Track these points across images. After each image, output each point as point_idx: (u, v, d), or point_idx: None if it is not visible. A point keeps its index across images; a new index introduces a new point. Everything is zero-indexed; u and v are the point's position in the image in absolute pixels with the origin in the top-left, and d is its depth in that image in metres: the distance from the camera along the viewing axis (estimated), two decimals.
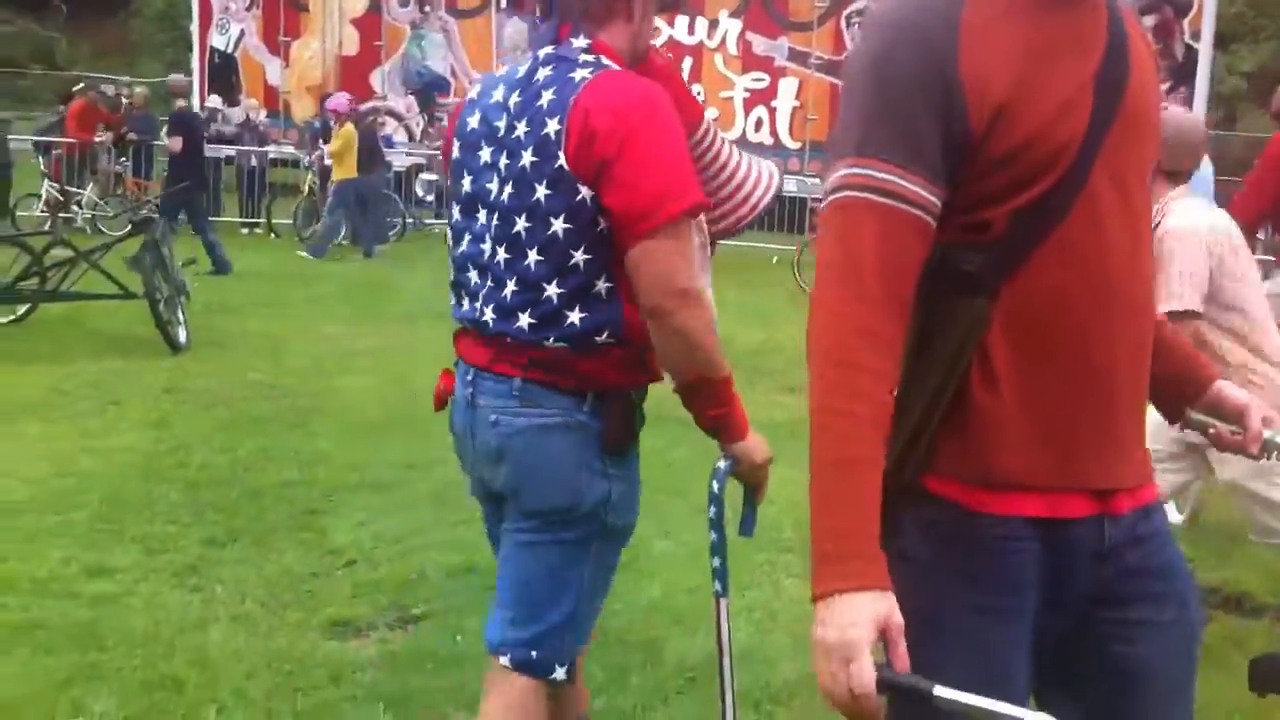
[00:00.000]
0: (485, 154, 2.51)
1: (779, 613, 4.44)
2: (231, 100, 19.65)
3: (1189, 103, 17.32)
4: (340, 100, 16.00)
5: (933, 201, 1.62)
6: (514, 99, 2.47)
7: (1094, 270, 1.65)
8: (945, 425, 1.67)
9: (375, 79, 20.91)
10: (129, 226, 9.81)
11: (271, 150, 18.74)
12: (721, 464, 2.53)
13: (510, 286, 2.45)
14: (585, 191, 2.35)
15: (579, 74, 2.39)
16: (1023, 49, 1.62)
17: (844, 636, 1.48)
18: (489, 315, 2.50)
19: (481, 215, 2.52)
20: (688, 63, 19.86)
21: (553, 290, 2.41)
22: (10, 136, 15.07)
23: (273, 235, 16.02)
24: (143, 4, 35.40)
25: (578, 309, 2.41)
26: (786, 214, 17.48)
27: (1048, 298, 1.64)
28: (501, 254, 2.46)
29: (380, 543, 4.98)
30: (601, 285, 2.41)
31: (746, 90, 19.68)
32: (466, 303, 2.60)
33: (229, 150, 18.09)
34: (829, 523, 1.56)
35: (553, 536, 2.52)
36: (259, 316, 10.34)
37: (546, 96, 2.40)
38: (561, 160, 2.35)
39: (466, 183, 2.55)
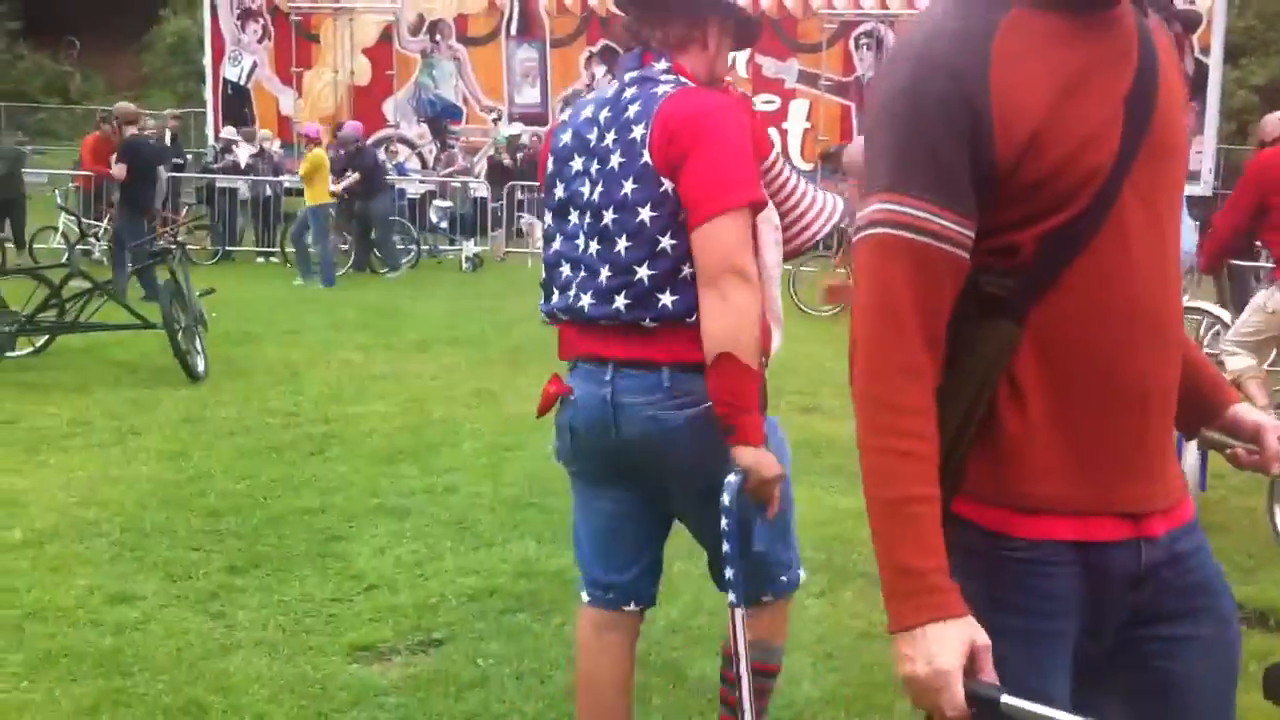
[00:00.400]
0: (577, 163, 2.81)
1: (799, 632, 4.43)
2: (247, 133, 19.76)
3: (1200, 117, 17.33)
4: (311, 127, 16.26)
5: (966, 236, 1.62)
6: (604, 114, 2.79)
7: (1122, 292, 1.64)
8: (974, 449, 1.68)
9: (388, 108, 21.04)
10: (146, 259, 9.89)
11: (286, 180, 18.83)
12: (733, 478, 2.58)
13: (604, 273, 2.72)
14: (667, 184, 2.64)
15: (661, 89, 2.73)
16: (1055, 76, 1.61)
17: (933, 667, 1.52)
18: (585, 301, 2.75)
19: (573, 217, 2.82)
20: None
21: (644, 273, 2.67)
22: (26, 170, 15.18)
23: (287, 264, 16.12)
24: (155, 38, 35.73)
25: (668, 291, 2.66)
26: None
27: (1077, 320, 1.64)
28: (594, 246, 2.74)
29: (400, 568, 5.00)
30: (687, 271, 2.65)
31: (757, 112, 19.73)
32: (557, 295, 2.85)
33: (243, 181, 18.18)
34: (896, 560, 1.59)
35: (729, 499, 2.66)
36: (276, 344, 10.40)
37: (633, 109, 2.73)
38: (646, 157, 2.66)
39: (560, 190, 2.85)
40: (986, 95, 1.59)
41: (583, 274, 2.76)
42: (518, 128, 19.88)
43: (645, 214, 2.66)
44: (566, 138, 2.86)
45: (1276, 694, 1.56)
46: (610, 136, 2.74)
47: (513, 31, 20.69)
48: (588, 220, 2.76)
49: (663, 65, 2.79)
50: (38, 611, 4.42)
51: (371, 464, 6.62)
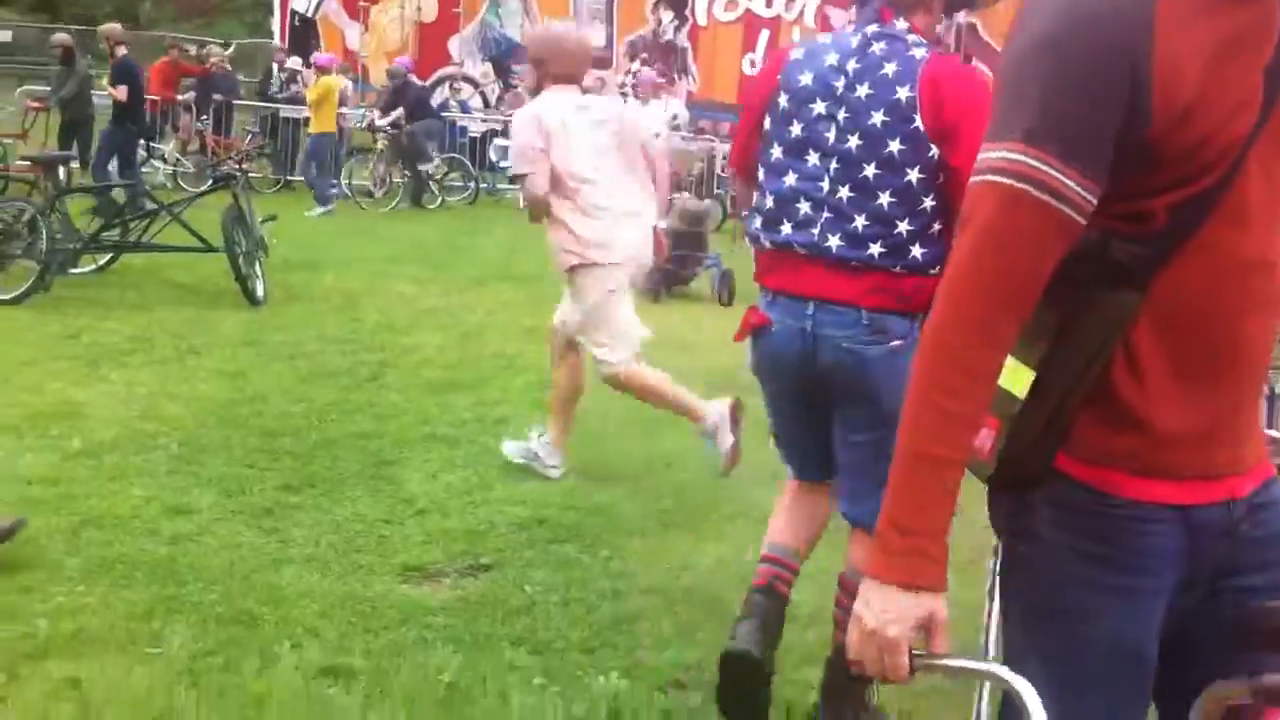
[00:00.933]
0: (820, 107, 3.02)
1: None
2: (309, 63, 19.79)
3: None
4: (323, 57, 16.38)
5: (1091, 202, 1.56)
6: (851, 64, 3.00)
7: (1238, 260, 1.61)
8: (1084, 410, 1.65)
9: (453, 45, 21.00)
10: (210, 182, 9.97)
11: (346, 111, 18.86)
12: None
13: (860, 220, 2.97)
14: (935, 150, 2.90)
15: (917, 53, 2.96)
16: (1211, 43, 1.55)
17: (883, 630, 1.54)
18: (833, 242, 3.00)
19: (812, 158, 3.04)
20: (764, 35, 19.75)
21: (904, 227, 2.95)
22: (94, 93, 15.29)
23: (347, 196, 16.18)
24: None
25: (918, 244, 2.95)
26: None
27: (1195, 289, 1.60)
28: (845, 192, 2.99)
29: (451, 494, 5.04)
30: (937, 227, 2.94)
31: None
32: (790, 229, 3.07)
33: (307, 113, 18.22)
34: (899, 513, 1.59)
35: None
36: (335, 273, 10.46)
37: (890, 67, 2.94)
38: (917, 122, 2.90)
39: (796, 129, 3.06)
40: (1150, 59, 1.51)
41: (828, 215, 3.00)
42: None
43: (913, 175, 2.92)
44: (807, 80, 3.05)
45: None
46: (864, 90, 2.95)
47: None
48: (835, 166, 2.99)
49: (903, 25, 3.02)
50: (95, 519, 4.50)
51: (424, 393, 6.67)
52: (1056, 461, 1.66)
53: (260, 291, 8.87)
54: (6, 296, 8.18)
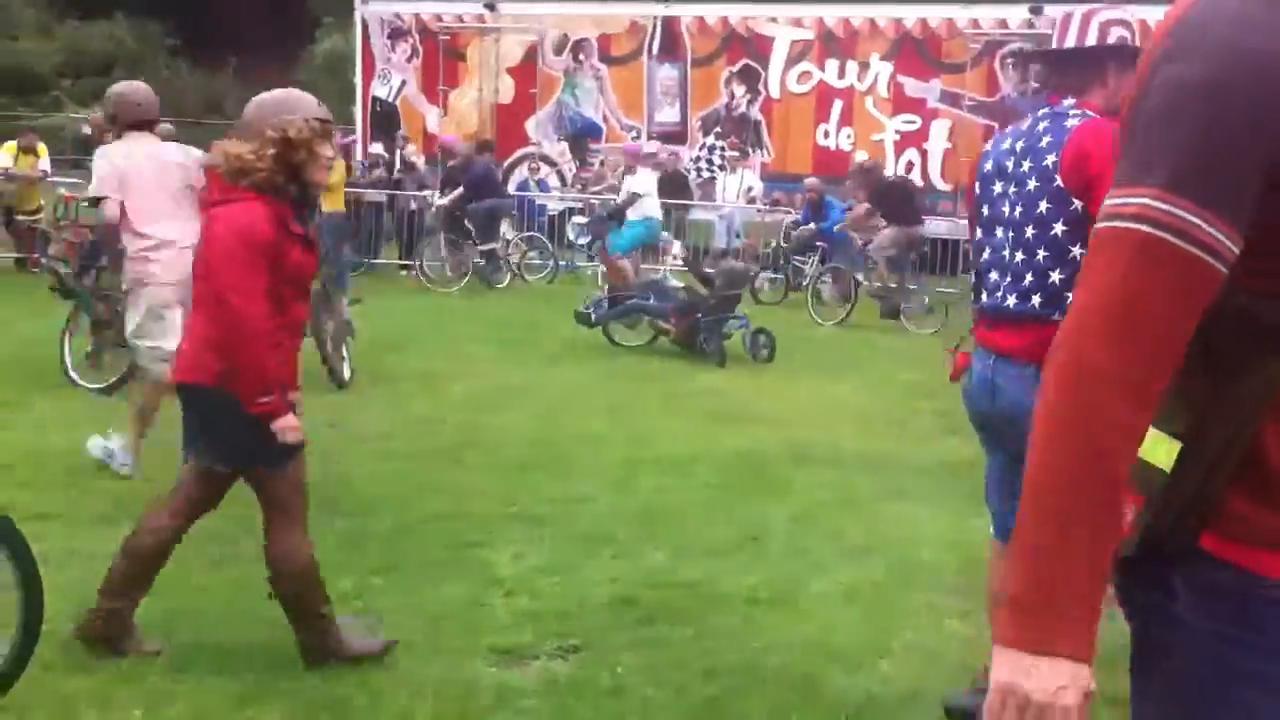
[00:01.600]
0: (998, 187, 3.50)
1: (942, 654, 4.35)
2: (390, 147, 20.21)
3: None
4: (342, 137, 16.46)
5: (1234, 254, 1.45)
6: (1019, 145, 3.46)
7: None
8: (1232, 485, 1.54)
9: (530, 126, 21.33)
10: None
11: (429, 194, 19.21)
12: None
13: (1028, 278, 3.39)
14: (1077, 204, 3.27)
15: (1070, 121, 3.36)
16: None
17: (1056, 700, 1.41)
18: (1011, 301, 3.44)
19: (999, 232, 3.50)
20: (838, 106, 19.81)
21: (1056, 277, 3.33)
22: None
23: (423, 278, 16.40)
24: (309, 56, 36.80)
25: (1071, 292, 3.20)
26: (937, 256, 17.27)
27: None
28: (1019, 256, 3.41)
29: (538, 574, 5.03)
30: None
31: (897, 133, 19.53)
32: (986, 296, 3.56)
33: (386, 195, 18.57)
34: (1045, 573, 1.44)
35: None
36: (418, 354, 10.59)
37: (1045, 140, 3.37)
38: (1058, 181, 3.30)
39: (986, 209, 3.56)
40: (1273, 84, 1.41)
41: (1009, 279, 3.44)
42: (654, 145, 19.98)
43: (1059, 228, 3.31)
44: (989, 166, 3.56)
45: None
46: (1026, 164, 3.39)
47: (654, 51, 20.80)
48: (1011, 235, 3.43)
49: (1069, 102, 3.43)
50: (187, 609, 4.55)
51: (508, 472, 6.69)
52: (1201, 540, 1.55)
53: (346, 374, 9.00)
54: (101, 385, 8.37)
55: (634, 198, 14.17)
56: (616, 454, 7.18)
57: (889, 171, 17.89)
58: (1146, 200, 1.45)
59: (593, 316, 11.53)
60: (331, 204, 15.32)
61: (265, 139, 3.79)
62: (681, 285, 12.12)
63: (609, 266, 14.40)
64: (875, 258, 14.53)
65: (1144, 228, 1.44)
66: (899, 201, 14.85)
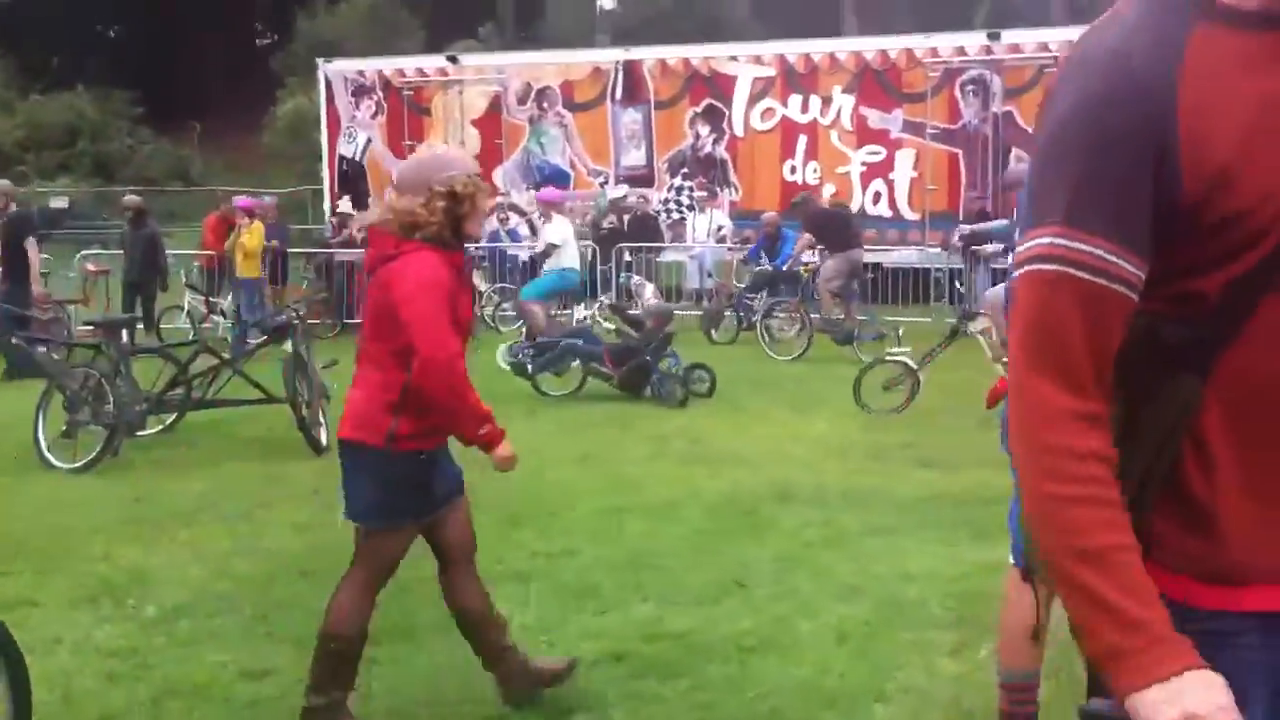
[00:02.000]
0: None
1: (935, 695, 4.33)
2: (361, 205, 20.22)
3: None
4: (246, 200, 16.29)
5: (1140, 278, 1.50)
6: None
7: None
8: (1157, 512, 1.56)
9: (497, 176, 21.37)
10: (269, 333, 10.14)
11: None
12: None
13: None
14: None
15: None
16: (1249, 103, 1.47)
17: (1217, 707, 1.41)
18: None
19: None
20: (803, 141, 19.95)
21: None
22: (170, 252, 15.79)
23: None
24: (273, 118, 36.84)
25: None
26: (909, 285, 17.34)
27: (1265, 372, 1.51)
28: None
29: (527, 633, 4.98)
30: None
31: (863, 164, 19.66)
32: None
33: (359, 254, 18.58)
34: (1120, 614, 1.45)
35: None
36: None
37: None
38: None
39: None
40: (1175, 123, 1.46)
41: None
42: (622, 189, 20.06)
43: None
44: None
45: None
46: None
47: (618, 96, 20.93)
48: None
49: None
50: (173, 689, 4.50)
51: (492, 529, 6.61)
52: None
53: (325, 439, 8.94)
54: (78, 464, 8.31)
55: (550, 248, 14.11)
56: (598, 503, 7.16)
57: (851, 202, 18.00)
58: (1050, 240, 1.50)
59: (529, 367, 11.56)
60: (246, 270, 15.11)
61: (434, 194, 3.89)
62: (611, 329, 12.18)
63: (522, 313, 14.33)
64: (820, 290, 14.55)
65: (1050, 266, 1.50)
66: (836, 229, 14.93)
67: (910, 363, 10.13)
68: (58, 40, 43.59)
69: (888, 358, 10.48)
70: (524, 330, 14.07)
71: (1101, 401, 1.51)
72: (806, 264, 15.60)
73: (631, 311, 12.50)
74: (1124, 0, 1.58)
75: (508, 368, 11.82)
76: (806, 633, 4.99)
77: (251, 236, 15.12)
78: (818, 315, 14.38)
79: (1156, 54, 1.48)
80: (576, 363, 11.49)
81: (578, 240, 18.74)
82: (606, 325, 12.60)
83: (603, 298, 17.88)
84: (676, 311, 12.45)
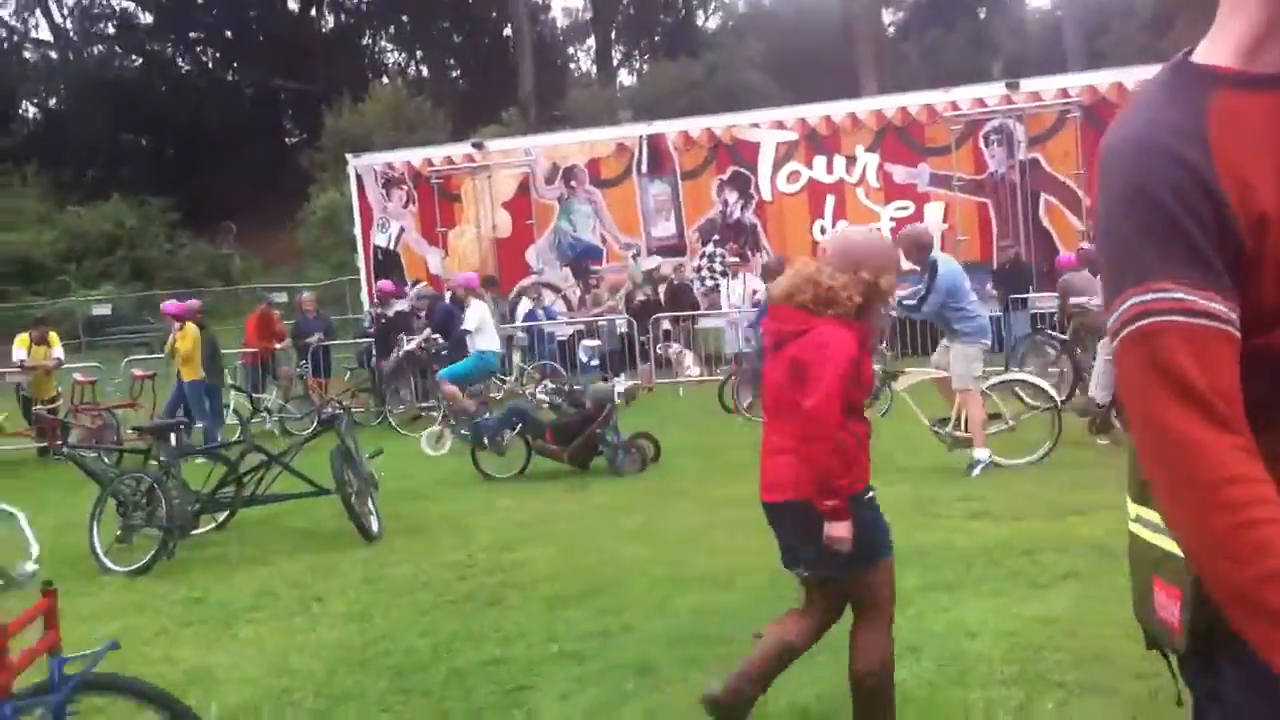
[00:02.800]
0: None
1: None
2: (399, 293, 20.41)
3: None
4: (173, 305, 15.70)
5: (1230, 313, 1.54)
6: None
7: None
8: None
9: (530, 255, 21.60)
10: (315, 425, 10.23)
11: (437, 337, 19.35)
12: None
13: None
14: None
15: None
16: (1274, 155, 1.56)
17: None
18: None
19: None
20: (830, 200, 20.05)
21: None
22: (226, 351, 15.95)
23: (390, 420, 16.47)
24: (307, 213, 37.42)
25: None
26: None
27: None
28: None
29: (587, 715, 4.98)
30: None
31: (893, 220, 19.72)
32: None
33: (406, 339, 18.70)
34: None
35: None
36: (442, 499, 10.60)
37: None
38: None
39: None
40: (1215, 175, 1.54)
41: None
42: (655, 260, 20.20)
43: None
44: None
45: None
46: None
47: (643, 169, 21.15)
48: None
49: None
50: None
51: (546, 609, 6.65)
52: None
53: (375, 527, 9.00)
54: (134, 567, 8.39)
55: (464, 334, 14.23)
56: (651, 576, 7.14)
57: None
58: (1137, 299, 1.55)
59: (486, 439, 11.68)
60: (189, 374, 14.70)
61: (858, 279, 4.15)
62: (549, 405, 12.31)
63: (441, 393, 14.34)
64: None
65: (1149, 320, 1.55)
66: None
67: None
68: (92, 153, 44.61)
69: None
70: (441, 414, 14.23)
71: (1244, 434, 1.52)
72: None
73: (574, 389, 12.62)
74: (1144, 86, 1.70)
75: (438, 454, 11.88)
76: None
77: (184, 339, 14.74)
78: None
79: (1184, 120, 1.58)
80: (517, 440, 11.62)
81: (614, 312, 18.89)
82: (541, 401, 12.67)
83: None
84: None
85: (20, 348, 15.63)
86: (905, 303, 10.19)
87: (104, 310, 32.98)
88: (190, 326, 14.86)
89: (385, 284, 18.81)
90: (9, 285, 34.56)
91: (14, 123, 48.41)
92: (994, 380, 10.71)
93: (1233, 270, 1.54)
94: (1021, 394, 11.27)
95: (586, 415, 11.49)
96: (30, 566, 7.03)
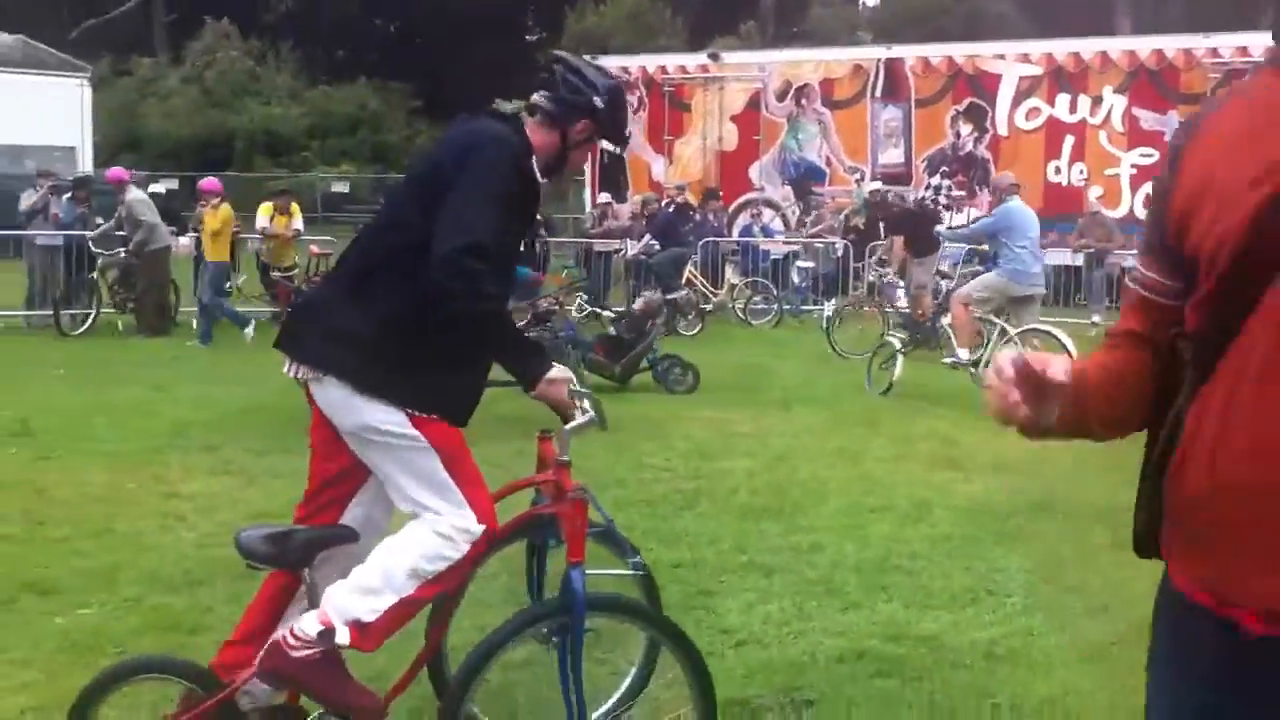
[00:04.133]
0: None
1: None
2: (619, 197, 20.68)
3: None
4: (211, 181, 15.58)
5: (1166, 285, 1.84)
6: None
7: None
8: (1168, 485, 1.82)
9: (753, 172, 21.53)
10: (529, 319, 10.53)
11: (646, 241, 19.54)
12: None
13: None
14: None
15: None
16: (1251, 170, 1.67)
17: None
18: None
19: None
20: (1069, 141, 19.33)
21: None
22: None
23: None
24: None
25: None
26: None
27: (1236, 405, 1.67)
28: None
29: (769, 624, 5.08)
30: None
31: (1133, 167, 18.92)
32: None
33: (616, 244, 19.02)
34: None
35: None
36: (643, 400, 10.79)
37: None
38: None
39: None
40: (1177, 166, 1.79)
41: None
42: (876, 185, 19.90)
43: None
44: None
45: None
46: None
47: (877, 93, 20.75)
48: None
49: None
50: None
51: (739, 520, 6.76)
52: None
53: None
54: None
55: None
56: (845, 501, 7.17)
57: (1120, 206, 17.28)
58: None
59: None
60: (213, 253, 14.85)
61: None
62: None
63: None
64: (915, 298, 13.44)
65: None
66: (919, 228, 14.62)
67: None
68: (343, 34, 46.10)
69: None
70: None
71: (1120, 350, 1.94)
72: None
73: (616, 309, 12.50)
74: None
75: None
76: (1054, 647, 4.90)
77: (214, 218, 14.87)
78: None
79: (1191, 128, 1.85)
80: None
81: (832, 234, 18.66)
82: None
83: (855, 293, 17.76)
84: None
85: (264, 215, 16.44)
86: (955, 229, 10.15)
87: (342, 188, 34.33)
88: (225, 206, 15.11)
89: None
90: (257, 156, 36.30)
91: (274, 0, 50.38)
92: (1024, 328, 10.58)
93: (1170, 250, 1.82)
94: (1036, 343, 10.74)
95: (632, 327, 11.47)
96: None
